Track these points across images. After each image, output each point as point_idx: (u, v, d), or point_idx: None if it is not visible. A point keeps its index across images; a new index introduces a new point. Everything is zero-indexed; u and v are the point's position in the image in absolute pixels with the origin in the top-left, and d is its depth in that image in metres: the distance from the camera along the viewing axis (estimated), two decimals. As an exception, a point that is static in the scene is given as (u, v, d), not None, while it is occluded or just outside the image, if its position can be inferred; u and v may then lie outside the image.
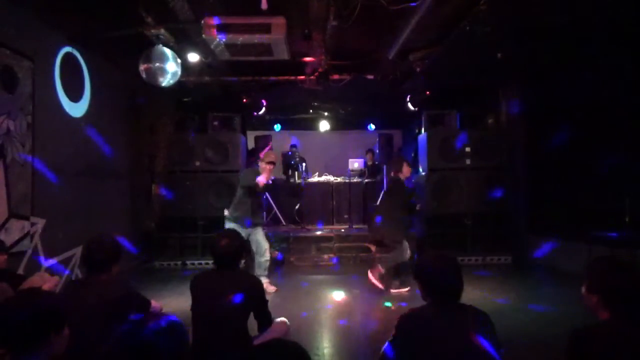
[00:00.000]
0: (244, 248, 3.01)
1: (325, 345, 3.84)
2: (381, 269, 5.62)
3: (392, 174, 5.92)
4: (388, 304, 5.13)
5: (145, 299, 2.79)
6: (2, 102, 4.28)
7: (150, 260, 7.47)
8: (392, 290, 5.59)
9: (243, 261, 7.33)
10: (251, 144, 10.02)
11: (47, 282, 3.40)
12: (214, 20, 5.16)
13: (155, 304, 3.09)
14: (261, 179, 5.46)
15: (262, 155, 7.31)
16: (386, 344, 2.09)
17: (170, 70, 5.50)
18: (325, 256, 7.68)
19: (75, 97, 5.53)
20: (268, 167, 5.55)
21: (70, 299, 2.52)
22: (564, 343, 1.86)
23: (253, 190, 5.59)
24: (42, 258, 4.83)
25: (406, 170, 5.83)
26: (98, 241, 2.63)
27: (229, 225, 5.55)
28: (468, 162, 7.70)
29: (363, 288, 5.92)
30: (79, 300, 2.45)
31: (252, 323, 2.91)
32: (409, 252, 5.54)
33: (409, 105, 8.50)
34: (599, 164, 5.94)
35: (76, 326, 1.89)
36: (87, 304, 2.41)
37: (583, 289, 1.97)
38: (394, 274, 5.69)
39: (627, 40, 5.34)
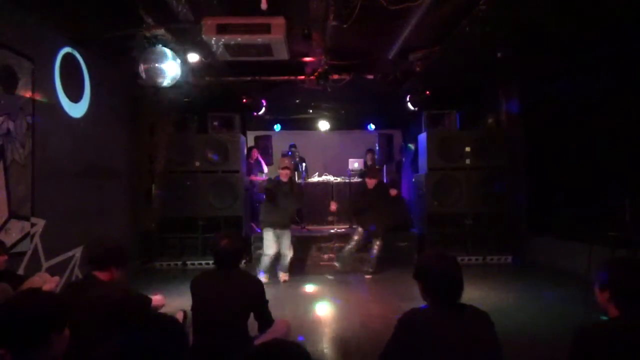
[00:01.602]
0: (244, 248, 3.02)
1: (325, 345, 3.84)
2: None
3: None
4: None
5: (145, 298, 2.79)
6: (2, 102, 4.27)
7: (151, 260, 7.47)
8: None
9: (244, 261, 7.35)
10: (251, 144, 10.00)
11: (47, 283, 3.41)
12: (214, 21, 5.16)
13: (158, 298, 3.09)
14: None
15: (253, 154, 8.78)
16: (387, 343, 2.09)
17: (170, 70, 5.50)
18: (325, 256, 7.68)
19: (75, 97, 5.52)
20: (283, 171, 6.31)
21: (70, 300, 2.52)
22: (564, 342, 1.86)
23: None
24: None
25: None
26: (100, 238, 2.71)
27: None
28: (468, 162, 7.71)
29: (363, 287, 5.92)
30: (79, 300, 2.45)
31: (253, 323, 2.91)
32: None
33: (409, 105, 8.50)
34: (599, 163, 5.94)
35: (76, 327, 1.89)
36: (86, 305, 2.42)
37: (595, 287, 1.96)
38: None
39: (627, 40, 5.33)
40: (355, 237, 6.75)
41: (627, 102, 5.47)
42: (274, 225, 6.10)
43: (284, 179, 6.25)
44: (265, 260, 6.10)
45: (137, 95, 7.17)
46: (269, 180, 6.67)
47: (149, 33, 5.44)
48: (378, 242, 6.61)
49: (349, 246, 6.78)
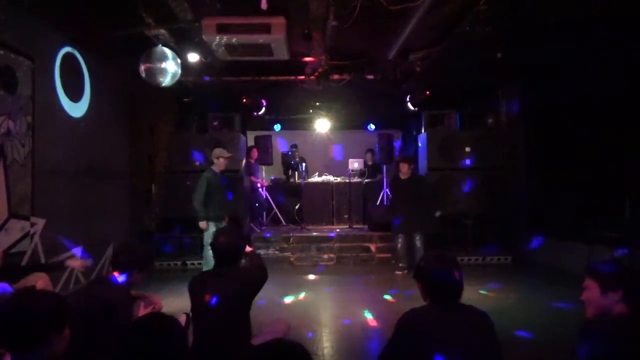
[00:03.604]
0: (244, 245, 3.03)
1: (325, 345, 3.84)
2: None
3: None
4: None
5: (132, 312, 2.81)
6: (2, 102, 4.28)
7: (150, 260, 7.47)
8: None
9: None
10: (251, 144, 10.00)
11: (40, 280, 3.43)
12: (214, 21, 5.17)
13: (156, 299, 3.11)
14: None
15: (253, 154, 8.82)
16: (386, 343, 2.09)
17: (170, 70, 5.51)
18: (325, 256, 7.68)
19: (75, 97, 5.53)
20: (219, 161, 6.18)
21: (77, 298, 2.56)
22: (564, 342, 1.87)
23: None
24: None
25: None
26: (129, 246, 2.83)
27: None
28: (468, 162, 7.71)
29: (363, 288, 5.92)
30: (81, 300, 2.48)
31: (254, 323, 2.91)
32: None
33: (409, 105, 8.51)
34: (599, 163, 5.94)
35: (77, 326, 1.89)
36: (87, 304, 2.43)
37: (595, 290, 2.03)
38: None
39: (626, 39, 5.33)
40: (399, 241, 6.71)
41: (627, 102, 5.47)
42: (213, 219, 6.01)
43: (221, 168, 6.18)
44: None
45: (137, 95, 7.17)
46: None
47: (149, 33, 5.44)
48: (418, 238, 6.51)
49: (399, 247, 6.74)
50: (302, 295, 5.57)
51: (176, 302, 4.85)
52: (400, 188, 6.76)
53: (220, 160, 6.20)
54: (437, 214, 6.66)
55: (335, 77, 7.43)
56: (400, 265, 6.73)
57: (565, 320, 4.28)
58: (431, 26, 5.53)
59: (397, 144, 10.92)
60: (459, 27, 5.35)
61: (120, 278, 2.66)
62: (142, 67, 5.48)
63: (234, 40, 5.29)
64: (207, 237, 5.99)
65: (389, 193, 9.29)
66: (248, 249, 3.47)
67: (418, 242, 6.53)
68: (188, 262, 7.43)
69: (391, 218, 6.83)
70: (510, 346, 2.44)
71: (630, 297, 1.95)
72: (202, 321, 2.74)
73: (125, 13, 5.03)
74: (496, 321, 2.06)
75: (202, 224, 5.84)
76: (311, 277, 6.64)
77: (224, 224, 6.04)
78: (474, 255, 7.46)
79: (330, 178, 9.57)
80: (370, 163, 10.09)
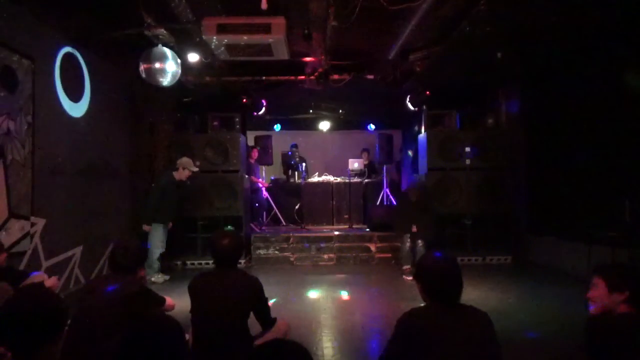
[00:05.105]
0: (243, 246, 3.03)
1: (325, 345, 3.84)
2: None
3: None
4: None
5: (160, 297, 2.81)
6: (2, 102, 4.28)
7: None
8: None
9: (243, 261, 7.35)
10: (251, 144, 10.01)
11: (47, 280, 3.44)
12: (214, 21, 5.17)
13: (170, 301, 3.10)
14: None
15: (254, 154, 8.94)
16: (386, 344, 2.09)
17: (170, 70, 5.51)
18: (325, 256, 7.68)
19: (75, 97, 5.52)
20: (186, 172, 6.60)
21: (90, 292, 2.55)
22: (564, 342, 1.88)
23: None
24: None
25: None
26: (124, 247, 2.75)
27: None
28: (468, 162, 7.71)
29: (363, 288, 5.93)
30: (98, 293, 2.48)
31: (253, 323, 2.91)
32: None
33: (409, 105, 8.51)
34: (599, 163, 5.94)
35: (90, 318, 1.89)
36: (104, 298, 2.44)
37: (602, 289, 2.08)
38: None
39: (627, 39, 5.33)
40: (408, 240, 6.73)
41: (627, 102, 5.47)
42: (160, 222, 6.43)
43: (181, 178, 6.58)
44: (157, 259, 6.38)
45: (137, 95, 7.17)
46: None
47: (149, 33, 5.44)
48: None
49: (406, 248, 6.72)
50: (302, 295, 5.57)
51: (176, 302, 4.85)
52: (408, 207, 6.70)
53: (185, 172, 6.55)
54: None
55: (335, 77, 7.43)
56: (404, 267, 6.54)
57: (565, 320, 4.29)
58: (431, 26, 5.53)
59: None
60: (459, 27, 5.35)
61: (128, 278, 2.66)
62: (142, 67, 5.48)
63: (234, 40, 5.29)
64: (154, 238, 6.33)
65: (389, 193, 9.30)
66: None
67: (420, 245, 6.48)
68: (188, 262, 7.43)
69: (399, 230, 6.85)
70: (510, 346, 2.44)
71: (636, 299, 1.98)
72: (202, 321, 2.74)
73: (125, 13, 5.04)
74: (496, 321, 2.06)
75: (146, 227, 6.28)
76: (311, 277, 6.64)
77: (169, 227, 6.55)
78: (474, 255, 7.46)
79: (330, 178, 9.57)
80: (366, 162, 10.08)
